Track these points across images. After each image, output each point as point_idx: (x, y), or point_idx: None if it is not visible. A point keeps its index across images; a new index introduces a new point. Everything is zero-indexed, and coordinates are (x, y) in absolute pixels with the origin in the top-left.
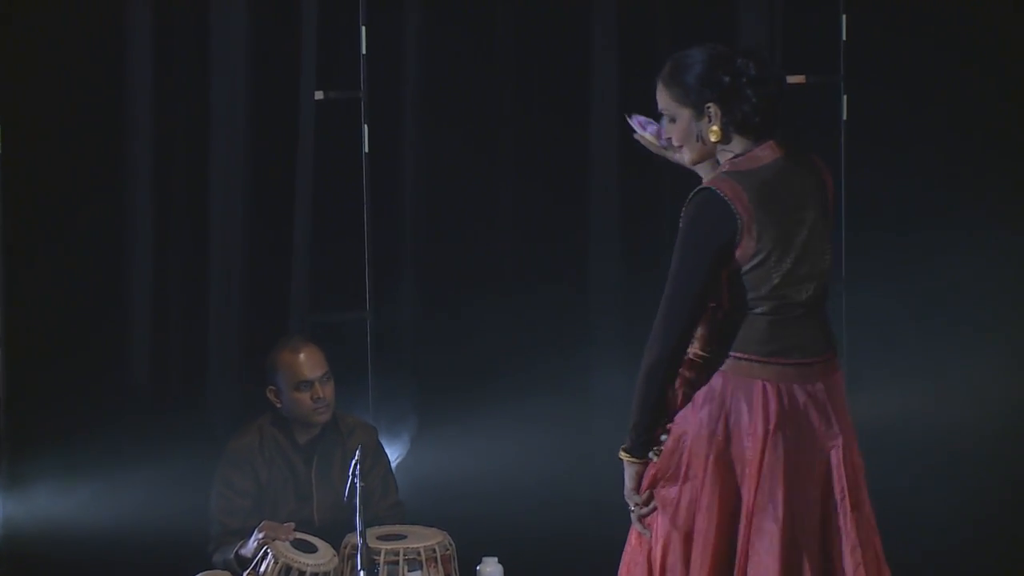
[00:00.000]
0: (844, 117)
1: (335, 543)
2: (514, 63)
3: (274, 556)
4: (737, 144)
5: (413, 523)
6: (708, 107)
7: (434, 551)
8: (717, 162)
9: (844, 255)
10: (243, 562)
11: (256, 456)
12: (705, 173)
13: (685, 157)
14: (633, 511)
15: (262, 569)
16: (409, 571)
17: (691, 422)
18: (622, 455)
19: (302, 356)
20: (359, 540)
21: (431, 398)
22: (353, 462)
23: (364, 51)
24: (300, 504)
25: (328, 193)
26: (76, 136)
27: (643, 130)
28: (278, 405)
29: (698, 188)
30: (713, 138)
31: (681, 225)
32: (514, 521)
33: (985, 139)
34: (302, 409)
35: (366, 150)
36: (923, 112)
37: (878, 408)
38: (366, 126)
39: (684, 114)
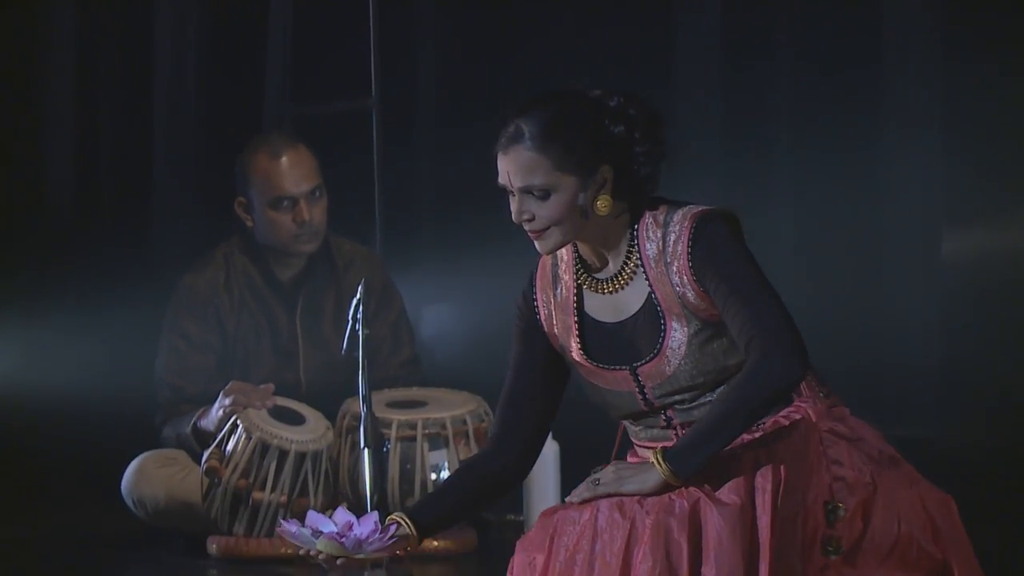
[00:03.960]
0: None
1: (329, 412)
2: None
3: (246, 429)
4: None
5: (435, 386)
6: (601, 170)
7: (464, 422)
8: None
9: None
10: (203, 437)
11: (221, 297)
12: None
13: (550, 241)
14: (593, 493)
15: (229, 446)
16: (430, 449)
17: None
18: (668, 469)
19: (284, 163)
20: (362, 408)
21: (459, 217)
22: (353, 303)
23: None
24: (281, 361)
25: None
26: None
27: (312, 533)
28: (249, 224)
29: (705, 210)
30: (604, 210)
31: (719, 240)
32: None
33: None
34: (281, 234)
35: None
36: None
37: None
38: None
39: (569, 183)
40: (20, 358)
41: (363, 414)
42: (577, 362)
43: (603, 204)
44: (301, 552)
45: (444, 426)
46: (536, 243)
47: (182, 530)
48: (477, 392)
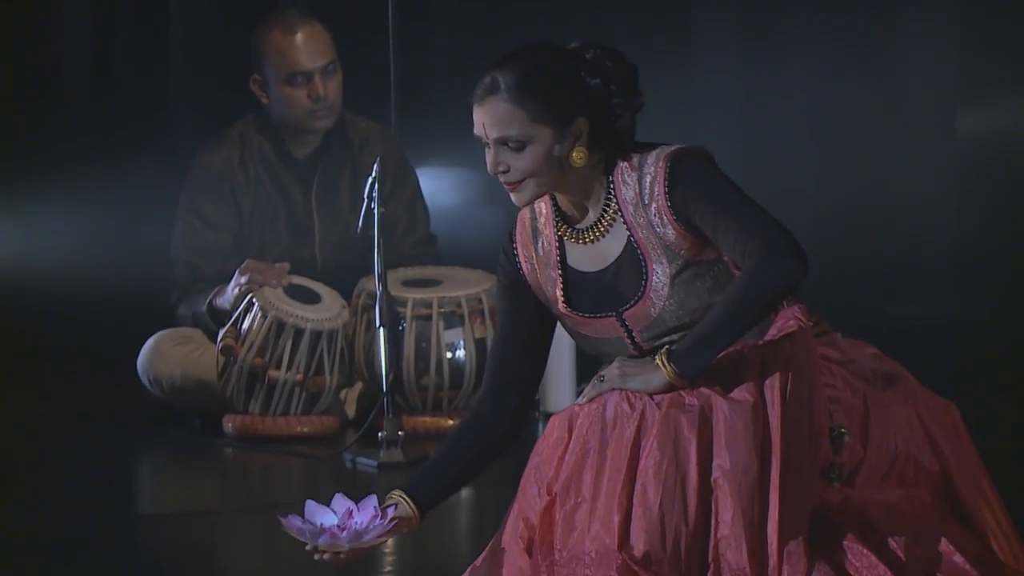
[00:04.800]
0: None
1: (344, 291)
2: None
3: (261, 307)
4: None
5: (451, 264)
6: (577, 122)
7: (479, 301)
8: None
9: None
10: (218, 315)
11: (236, 175)
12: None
13: (526, 193)
14: (599, 391)
15: (245, 325)
16: (446, 328)
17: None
18: (672, 370)
19: (298, 38)
20: (378, 287)
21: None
22: (369, 181)
23: None
24: (296, 239)
25: None
26: None
27: (315, 529)
28: (264, 101)
29: (678, 148)
30: (579, 162)
31: (696, 172)
32: None
33: None
34: (296, 110)
35: None
36: None
37: None
38: None
39: (544, 134)
40: (35, 236)
41: (378, 293)
42: (563, 314)
43: (579, 156)
44: (307, 548)
45: (459, 304)
46: (512, 195)
47: (198, 408)
48: (494, 272)
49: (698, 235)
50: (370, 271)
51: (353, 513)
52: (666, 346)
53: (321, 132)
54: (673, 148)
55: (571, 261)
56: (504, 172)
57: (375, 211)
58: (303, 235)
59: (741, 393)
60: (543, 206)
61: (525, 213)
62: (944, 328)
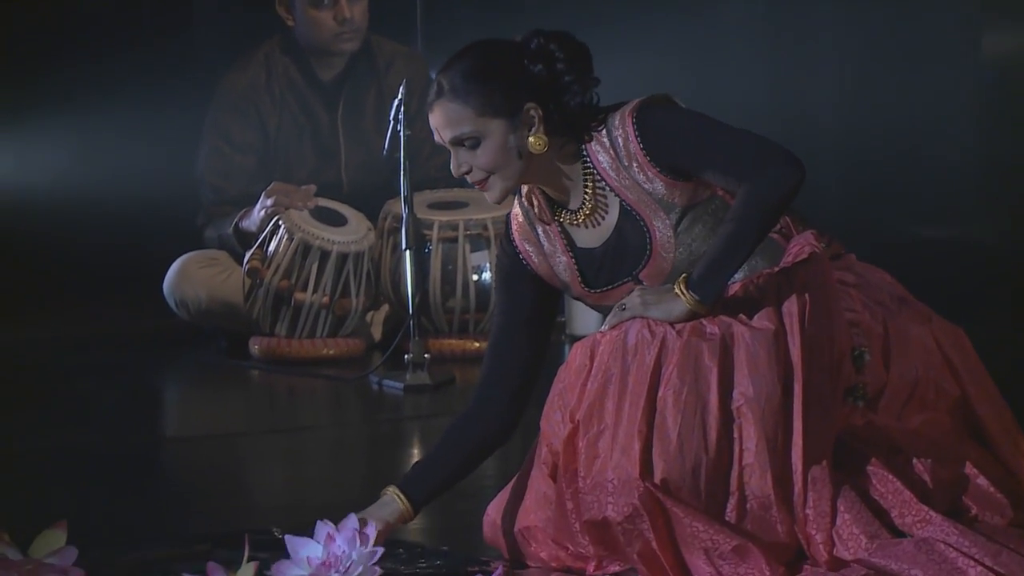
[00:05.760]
0: None
1: (370, 213)
2: None
3: (287, 230)
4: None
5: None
6: (527, 109)
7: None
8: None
9: None
10: (245, 238)
11: (262, 97)
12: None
13: (496, 190)
14: (620, 319)
15: (271, 247)
16: (472, 251)
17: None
18: (692, 298)
19: None
20: (403, 209)
21: (501, 15)
22: (395, 104)
23: None
24: (322, 162)
25: None
26: None
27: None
28: (290, 23)
29: (637, 102)
30: (539, 147)
31: (664, 120)
32: None
33: None
34: (322, 33)
35: None
36: None
37: None
38: None
39: (496, 127)
40: (60, 157)
41: (404, 215)
42: (583, 295)
43: (536, 142)
44: None
45: (486, 227)
46: (486, 195)
47: (224, 330)
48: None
49: (687, 180)
50: (396, 193)
51: (334, 536)
52: (684, 274)
53: (347, 54)
54: (634, 102)
55: (579, 243)
56: (467, 173)
57: (401, 133)
58: (329, 157)
59: (761, 321)
60: (534, 199)
61: (516, 211)
62: (970, 247)
